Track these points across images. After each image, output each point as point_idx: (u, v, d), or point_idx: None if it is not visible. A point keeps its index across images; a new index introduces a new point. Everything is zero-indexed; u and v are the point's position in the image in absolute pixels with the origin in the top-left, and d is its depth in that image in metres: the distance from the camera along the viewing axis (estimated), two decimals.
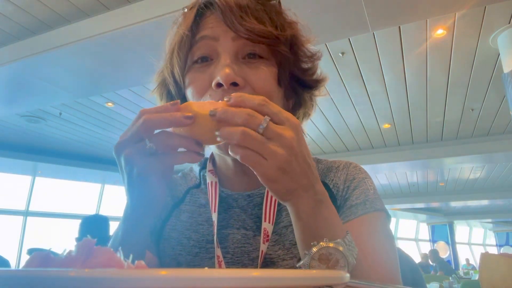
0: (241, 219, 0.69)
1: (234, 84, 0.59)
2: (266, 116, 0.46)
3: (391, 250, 0.64)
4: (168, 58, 0.68)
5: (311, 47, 0.70)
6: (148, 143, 0.48)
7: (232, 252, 0.67)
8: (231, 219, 0.70)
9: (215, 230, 0.66)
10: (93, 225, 2.69)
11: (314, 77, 0.72)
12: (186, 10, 0.68)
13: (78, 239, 2.63)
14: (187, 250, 0.68)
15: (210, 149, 0.74)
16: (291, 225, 0.63)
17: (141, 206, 0.53)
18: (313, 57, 0.71)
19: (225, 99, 0.48)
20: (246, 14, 0.61)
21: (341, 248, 0.48)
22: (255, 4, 0.63)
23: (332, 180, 0.71)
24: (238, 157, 0.47)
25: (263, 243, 0.64)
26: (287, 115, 0.48)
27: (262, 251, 0.64)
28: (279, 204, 0.68)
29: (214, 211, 0.68)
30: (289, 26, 0.67)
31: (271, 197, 0.67)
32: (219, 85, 0.59)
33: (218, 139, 0.48)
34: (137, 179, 0.50)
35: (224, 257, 0.66)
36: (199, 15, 0.65)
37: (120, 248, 0.30)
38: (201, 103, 0.50)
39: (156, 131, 0.49)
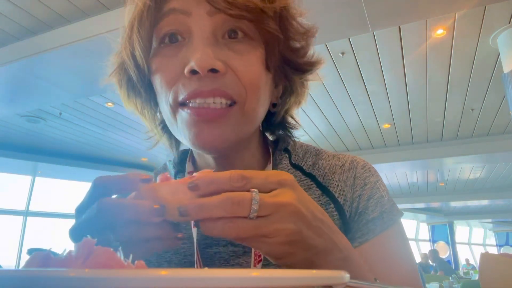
0: None
1: (213, 71, 0.47)
2: (254, 193, 0.36)
3: (412, 260, 0.58)
4: (127, 36, 0.55)
5: (304, 21, 0.57)
6: (114, 242, 0.36)
7: None
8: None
9: (196, 249, 0.55)
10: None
11: (306, 58, 0.59)
12: None
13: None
14: None
15: (186, 146, 0.58)
16: None
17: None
18: (306, 34, 0.58)
19: (189, 185, 0.36)
20: None
21: None
22: None
23: (338, 185, 0.60)
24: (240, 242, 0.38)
25: (254, 265, 0.54)
26: (274, 177, 0.38)
27: None
28: None
29: (194, 227, 0.57)
30: None
31: None
32: (193, 72, 0.47)
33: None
34: None
35: None
36: None
37: (120, 248, 0.30)
38: (168, 184, 0.37)
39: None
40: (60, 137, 6.52)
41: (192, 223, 0.56)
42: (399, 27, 3.44)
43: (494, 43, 3.64)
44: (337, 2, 2.68)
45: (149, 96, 0.58)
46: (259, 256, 0.54)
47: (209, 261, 0.57)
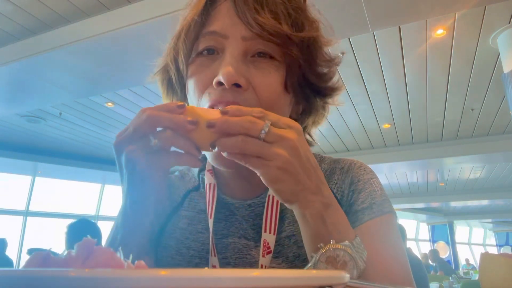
0: (243, 228, 0.65)
1: (236, 85, 0.55)
2: (267, 121, 0.46)
3: (401, 255, 0.60)
4: (173, 43, 0.64)
5: (331, 50, 0.66)
6: (153, 139, 0.47)
7: (233, 262, 0.62)
8: (232, 227, 0.65)
9: (211, 238, 0.62)
10: (82, 231, 2.61)
11: (329, 84, 0.66)
12: None
13: (68, 246, 2.54)
14: (187, 260, 0.63)
15: None
16: (294, 235, 0.62)
17: (143, 205, 0.51)
18: (331, 62, 0.66)
19: (221, 111, 0.47)
20: (261, 6, 0.56)
21: (349, 250, 0.47)
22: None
23: (336, 183, 0.66)
24: (241, 163, 0.47)
25: (263, 256, 0.60)
26: (288, 121, 0.48)
27: (261, 265, 0.59)
28: (281, 212, 0.63)
29: (211, 218, 0.63)
30: (310, 25, 0.61)
31: (272, 206, 0.63)
32: (219, 83, 0.55)
33: (215, 149, 0.47)
34: (138, 177, 0.48)
35: (224, 268, 0.62)
36: (210, 0, 0.60)
37: (120, 248, 0.30)
38: (207, 110, 0.49)
39: (158, 129, 0.48)
40: (60, 137, 6.53)
41: (209, 213, 0.64)
42: (399, 27, 3.44)
43: (494, 43, 3.64)
44: (337, 2, 2.68)
45: (184, 96, 0.67)
46: (269, 248, 0.60)
47: (224, 250, 0.63)
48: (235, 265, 0.62)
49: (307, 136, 0.75)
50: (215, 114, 0.47)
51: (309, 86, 0.63)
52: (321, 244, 0.48)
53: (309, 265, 0.48)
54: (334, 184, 0.66)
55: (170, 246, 0.65)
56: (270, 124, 0.46)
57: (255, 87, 0.57)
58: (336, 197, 0.63)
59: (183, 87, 0.65)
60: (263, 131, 0.45)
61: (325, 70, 0.65)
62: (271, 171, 0.46)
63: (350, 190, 0.65)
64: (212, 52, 0.59)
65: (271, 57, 0.58)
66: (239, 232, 0.64)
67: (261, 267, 0.59)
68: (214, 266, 0.61)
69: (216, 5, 0.60)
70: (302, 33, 0.58)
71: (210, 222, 0.63)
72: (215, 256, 0.62)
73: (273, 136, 0.45)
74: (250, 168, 0.47)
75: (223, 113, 0.47)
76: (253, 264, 0.62)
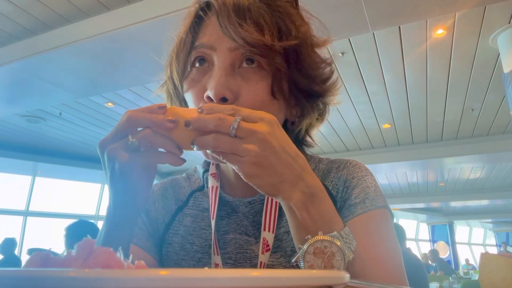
0: (244, 225, 0.68)
1: (223, 99, 0.56)
2: (236, 117, 0.47)
3: (394, 249, 0.60)
4: (169, 62, 0.68)
5: (330, 51, 0.67)
6: (130, 138, 0.49)
7: (234, 257, 0.65)
8: (233, 224, 0.68)
9: (214, 237, 0.64)
10: (80, 232, 2.62)
11: (324, 86, 0.67)
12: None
13: (67, 247, 2.56)
14: (190, 256, 0.67)
15: None
16: None
17: (123, 203, 0.53)
18: (323, 63, 0.66)
19: (198, 110, 0.49)
20: (243, 19, 0.57)
21: (337, 242, 0.47)
22: (258, 4, 0.59)
23: (332, 181, 0.68)
24: (221, 160, 0.49)
25: (262, 253, 0.62)
26: (260, 113, 0.48)
27: (261, 262, 0.61)
28: (280, 210, 0.64)
29: (213, 218, 0.66)
30: (297, 30, 0.61)
31: (272, 204, 0.64)
32: (209, 98, 0.57)
33: (195, 148, 0.49)
34: (119, 175, 0.50)
35: (226, 263, 0.65)
36: (197, 17, 0.64)
37: (120, 248, 0.30)
38: (187, 109, 0.51)
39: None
40: (60, 137, 6.53)
41: (212, 214, 0.67)
42: (399, 27, 3.44)
43: (494, 43, 3.64)
44: (337, 2, 2.68)
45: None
46: (267, 245, 0.62)
47: (226, 245, 0.66)
48: (236, 260, 0.65)
49: (307, 138, 0.77)
50: (193, 113, 0.49)
51: (299, 90, 0.64)
52: (309, 236, 0.48)
53: (296, 256, 0.48)
54: (330, 182, 0.68)
55: (175, 242, 0.69)
56: (241, 119, 0.47)
57: (242, 98, 0.58)
58: (332, 194, 0.66)
59: (182, 100, 0.67)
60: (232, 128, 0.46)
61: (316, 72, 0.65)
62: (245, 167, 0.47)
63: (345, 187, 0.66)
64: (203, 63, 0.62)
65: (258, 65, 0.60)
66: (240, 229, 0.67)
67: (260, 263, 0.61)
68: (216, 264, 0.63)
69: (203, 20, 0.64)
70: (284, 42, 0.58)
71: (213, 222, 0.66)
72: (217, 254, 0.64)
73: (243, 131, 0.46)
74: (229, 164, 0.49)
75: (199, 111, 0.48)
76: (253, 258, 0.64)
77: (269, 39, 0.57)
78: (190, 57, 0.63)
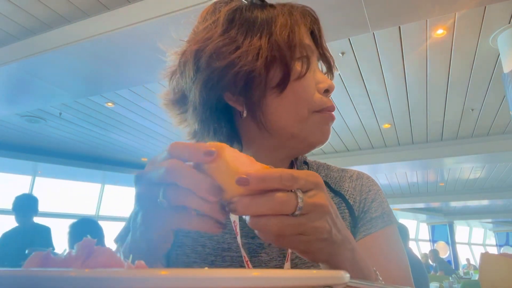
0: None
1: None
2: (299, 194, 0.39)
3: (406, 259, 0.67)
4: (278, 42, 0.62)
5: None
6: (161, 197, 0.40)
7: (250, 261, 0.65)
8: (245, 227, 0.67)
9: (243, 254, 0.63)
10: (84, 230, 2.66)
11: None
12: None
13: (70, 245, 2.60)
14: (202, 258, 0.65)
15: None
16: None
17: (141, 250, 0.46)
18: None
19: (239, 180, 0.37)
20: (323, 38, 0.70)
21: None
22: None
23: (348, 190, 0.72)
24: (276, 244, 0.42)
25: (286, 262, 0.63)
26: (313, 177, 0.41)
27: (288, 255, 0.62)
28: None
29: (237, 235, 0.65)
30: None
31: None
32: (326, 91, 0.66)
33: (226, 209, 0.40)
34: (141, 226, 0.44)
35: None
36: (299, 17, 0.67)
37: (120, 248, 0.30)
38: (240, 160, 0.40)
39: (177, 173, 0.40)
40: (60, 137, 6.52)
41: (236, 231, 0.65)
42: (399, 27, 3.44)
43: (494, 43, 3.64)
44: (337, 2, 2.68)
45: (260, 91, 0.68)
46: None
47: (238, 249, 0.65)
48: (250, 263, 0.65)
49: None
50: (247, 165, 0.39)
51: None
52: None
53: None
54: (346, 191, 0.71)
55: (185, 244, 0.67)
56: (301, 191, 0.40)
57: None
58: (349, 203, 0.70)
59: (277, 85, 0.63)
60: (299, 207, 0.39)
61: None
62: (311, 246, 0.41)
63: (362, 198, 0.70)
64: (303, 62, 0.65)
65: None
66: (252, 232, 0.65)
67: (288, 255, 0.63)
68: (244, 257, 0.63)
69: (300, 25, 0.66)
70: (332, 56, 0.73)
71: (238, 238, 0.64)
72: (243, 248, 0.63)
73: (308, 207, 0.39)
74: (288, 246, 0.42)
75: (241, 183, 0.37)
76: (268, 261, 0.64)
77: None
78: (296, 51, 0.64)
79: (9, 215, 8.12)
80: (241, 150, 0.69)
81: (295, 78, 0.63)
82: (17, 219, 3.43)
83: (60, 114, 5.46)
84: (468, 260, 12.80)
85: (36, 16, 3.34)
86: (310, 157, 0.81)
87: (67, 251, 0.28)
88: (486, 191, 10.23)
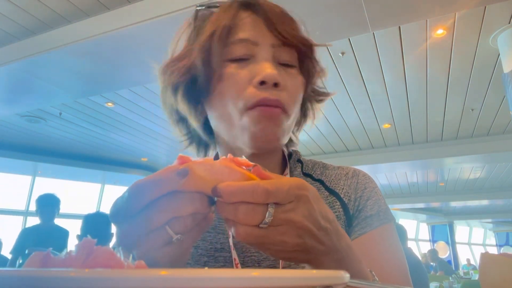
0: None
1: (275, 84, 0.58)
2: (269, 208, 0.38)
3: (403, 260, 0.65)
4: (205, 45, 0.62)
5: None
6: (175, 236, 0.39)
7: (242, 261, 0.64)
8: None
9: (233, 254, 0.63)
10: (95, 223, 2.72)
11: (323, 90, 0.74)
12: (217, 5, 0.66)
13: (80, 237, 2.68)
14: (195, 259, 0.65)
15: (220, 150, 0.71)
16: None
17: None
18: (322, 72, 0.72)
19: (212, 191, 0.38)
20: (286, 21, 0.63)
21: None
22: (290, 15, 0.65)
23: (343, 188, 0.70)
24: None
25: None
26: (295, 190, 0.40)
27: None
28: None
29: (230, 236, 0.66)
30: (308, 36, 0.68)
31: None
32: (262, 82, 0.58)
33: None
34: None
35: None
36: (237, 12, 0.64)
37: (120, 248, 0.30)
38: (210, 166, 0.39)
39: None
40: (60, 137, 6.52)
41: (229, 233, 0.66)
42: (399, 27, 3.44)
43: (494, 43, 3.64)
44: (337, 2, 2.68)
45: (206, 100, 0.66)
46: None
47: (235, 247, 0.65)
48: (244, 263, 0.64)
49: (292, 137, 0.77)
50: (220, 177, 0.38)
51: (311, 92, 0.70)
52: None
53: None
54: (341, 189, 0.70)
55: None
56: (274, 207, 0.39)
57: (288, 88, 0.61)
58: (343, 201, 0.68)
59: (207, 90, 0.63)
60: (265, 221, 0.38)
61: (318, 79, 0.72)
62: (279, 255, 0.42)
63: (357, 196, 0.68)
64: (244, 59, 0.62)
65: (293, 66, 0.64)
66: None
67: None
68: (235, 259, 0.63)
69: (242, 17, 0.64)
70: (317, 43, 0.65)
71: (230, 240, 0.65)
72: (234, 250, 0.64)
73: (278, 221, 0.39)
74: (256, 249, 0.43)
75: (215, 194, 0.38)
76: (261, 261, 0.64)
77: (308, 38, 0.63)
78: (229, 51, 0.61)
79: (9, 215, 8.10)
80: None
81: (218, 79, 0.61)
82: (41, 217, 3.64)
83: (60, 114, 5.46)
84: (468, 260, 12.79)
85: (36, 16, 3.34)
86: (310, 157, 0.81)
87: (67, 251, 0.28)
88: (486, 191, 10.23)
